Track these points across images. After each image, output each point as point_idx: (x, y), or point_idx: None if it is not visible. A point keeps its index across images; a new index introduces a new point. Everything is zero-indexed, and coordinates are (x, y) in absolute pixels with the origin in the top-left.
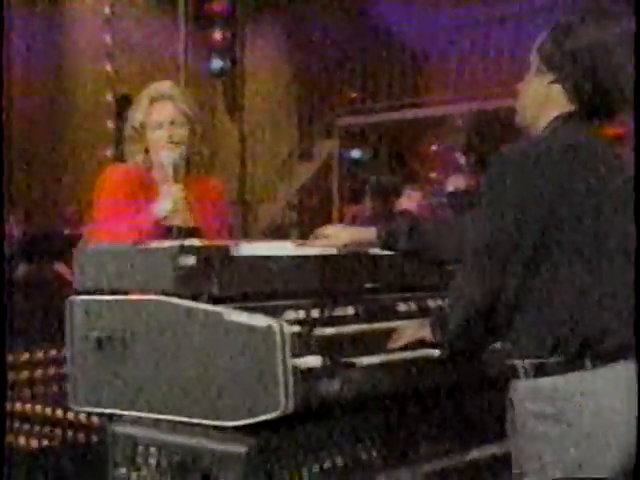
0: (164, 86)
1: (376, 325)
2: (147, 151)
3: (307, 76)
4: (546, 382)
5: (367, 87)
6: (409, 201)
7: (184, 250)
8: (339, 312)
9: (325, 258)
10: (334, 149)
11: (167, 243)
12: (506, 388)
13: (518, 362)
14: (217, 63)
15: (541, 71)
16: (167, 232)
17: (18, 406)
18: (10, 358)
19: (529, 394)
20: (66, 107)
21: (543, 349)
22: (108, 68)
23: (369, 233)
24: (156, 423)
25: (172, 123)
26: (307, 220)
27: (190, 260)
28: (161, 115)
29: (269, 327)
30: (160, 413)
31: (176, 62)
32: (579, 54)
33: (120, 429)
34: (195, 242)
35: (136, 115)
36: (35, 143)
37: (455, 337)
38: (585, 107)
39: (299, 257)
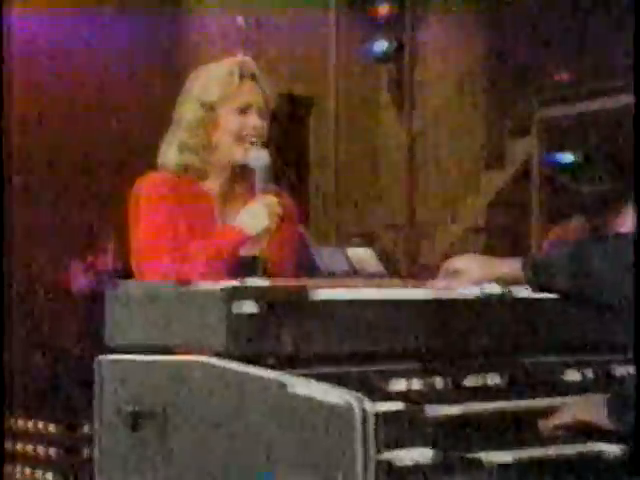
0: (252, 63)
1: (525, 402)
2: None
3: (496, 56)
4: None
5: (577, 64)
6: (633, 219)
7: (241, 293)
8: (471, 382)
9: (451, 304)
10: (533, 151)
11: (220, 283)
12: None
13: None
14: (380, 45)
15: None
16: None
17: None
18: None
19: None
20: None
21: None
22: (240, 57)
23: (513, 266)
24: None
25: (259, 111)
26: (497, 245)
27: (249, 307)
28: (251, 96)
29: (347, 405)
30: None
31: (326, 44)
32: None
33: None
34: (257, 282)
35: (212, 88)
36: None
37: None
38: None
39: (412, 303)
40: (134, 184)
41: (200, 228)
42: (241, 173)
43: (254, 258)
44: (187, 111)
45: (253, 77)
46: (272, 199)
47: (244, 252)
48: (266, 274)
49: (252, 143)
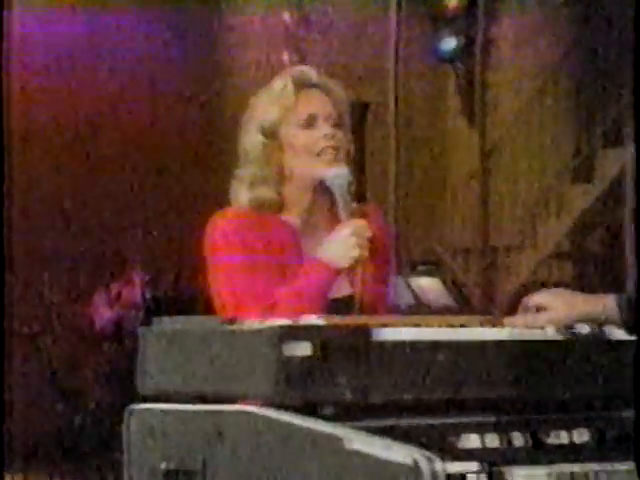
0: (311, 72)
1: (620, 465)
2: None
3: (584, 53)
4: None
5: None
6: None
7: (293, 332)
8: (556, 439)
9: (533, 346)
10: (626, 163)
11: (270, 321)
12: None
13: None
14: (448, 43)
15: None
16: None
17: None
18: None
19: None
20: (226, 122)
21: None
22: (285, 58)
23: (606, 302)
24: None
25: (329, 121)
26: (586, 274)
27: (303, 348)
28: (315, 105)
29: (414, 465)
30: None
31: (385, 42)
32: None
33: None
34: (312, 320)
35: (268, 109)
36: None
37: None
38: None
39: (488, 344)
40: (207, 223)
41: (287, 265)
42: (322, 196)
43: (349, 298)
44: (250, 141)
45: (314, 85)
46: (360, 223)
47: (336, 293)
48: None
49: (327, 155)
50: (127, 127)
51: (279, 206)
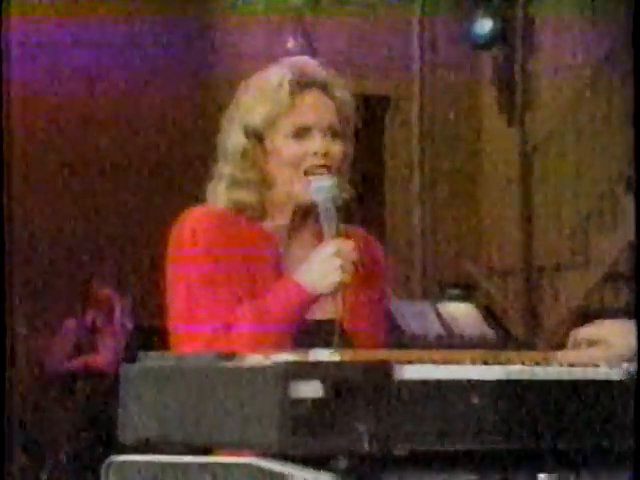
0: (311, 65)
1: None
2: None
3: None
4: None
5: None
6: None
7: (301, 370)
8: None
9: (584, 387)
10: None
11: (274, 357)
12: None
13: None
14: (484, 26)
15: None
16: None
17: None
18: None
19: None
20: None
21: None
22: (291, 45)
23: None
24: None
25: (326, 131)
26: None
27: (313, 389)
28: (312, 114)
29: None
30: None
31: (409, 26)
32: None
33: None
34: (324, 354)
35: (255, 108)
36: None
37: None
38: None
39: (533, 385)
40: (173, 221)
41: (262, 279)
42: (309, 209)
43: (328, 323)
44: (231, 140)
45: (316, 84)
46: (345, 244)
47: (315, 315)
48: (346, 345)
49: (315, 173)
50: (116, 140)
51: (260, 213)
